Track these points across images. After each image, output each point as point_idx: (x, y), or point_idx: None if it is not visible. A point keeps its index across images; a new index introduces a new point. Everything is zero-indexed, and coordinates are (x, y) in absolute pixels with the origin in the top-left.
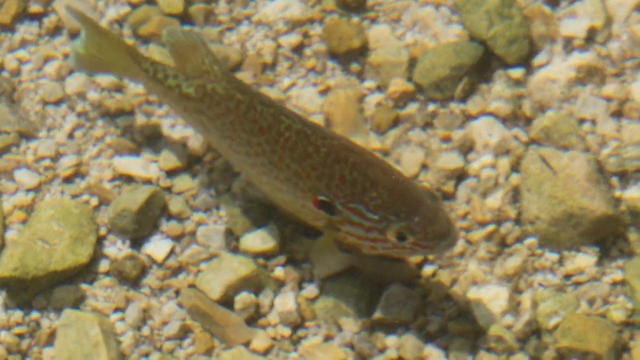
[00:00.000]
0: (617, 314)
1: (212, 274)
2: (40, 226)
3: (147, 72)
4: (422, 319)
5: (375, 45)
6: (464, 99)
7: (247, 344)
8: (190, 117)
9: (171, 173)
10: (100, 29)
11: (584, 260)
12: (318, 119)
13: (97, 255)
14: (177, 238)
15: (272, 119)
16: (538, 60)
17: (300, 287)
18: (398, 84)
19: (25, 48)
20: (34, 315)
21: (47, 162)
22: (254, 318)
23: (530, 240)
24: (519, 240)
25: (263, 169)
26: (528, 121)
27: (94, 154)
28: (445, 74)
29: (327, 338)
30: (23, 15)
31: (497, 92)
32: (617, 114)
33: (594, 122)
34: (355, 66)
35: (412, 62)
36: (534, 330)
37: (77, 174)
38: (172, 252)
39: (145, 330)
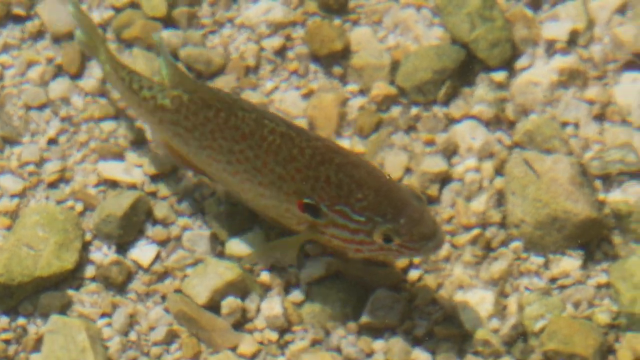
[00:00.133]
0: (603, 317)
1: (198, 279)
2: (25, 232)
3: (123, 80)
4: (409, 323)
5: (357, 47)
6: (446, 102)
7: (234, 349)
8: (165, 129)
9: (156, 178)
10: (92, 31)
11: (569, 263)
12: (301, 123)
13: (82, 261)
14: (162, 243)
15: (254, 124)
16: (520, 63)
17: (286, 291)
18: (381, 87)
19: (7, 52)
20: (21, 321)
21: (31, 168)
22: (241, 323)
23: (516, 244)
24: (504, 244)
25: (246, 175)
26: (511, 125)
27: (78, 159)
28: (427, 77)
29: (314, 342)
30: (5, 20)
31: (480, 95)
32: (600, 117)
33: (576, 125)
34: (337, 69)
35: (395, 65)
36: (520, 334)
37: (62, 179)
38: (157, 257)
39: (132, 336)
